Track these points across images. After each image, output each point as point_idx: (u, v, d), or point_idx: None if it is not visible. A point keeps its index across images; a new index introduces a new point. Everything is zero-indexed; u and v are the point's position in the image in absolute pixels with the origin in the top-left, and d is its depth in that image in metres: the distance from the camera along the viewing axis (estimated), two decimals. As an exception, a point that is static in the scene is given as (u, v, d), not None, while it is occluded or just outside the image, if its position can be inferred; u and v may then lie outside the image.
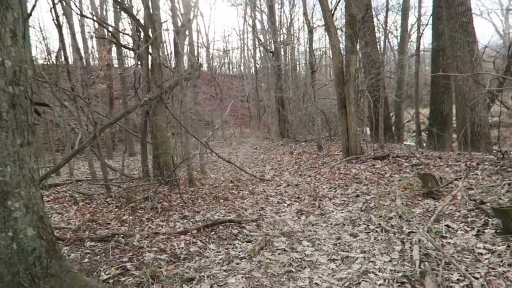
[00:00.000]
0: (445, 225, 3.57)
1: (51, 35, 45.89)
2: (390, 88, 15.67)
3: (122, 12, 12.15)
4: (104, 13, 15.89)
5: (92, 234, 4.08)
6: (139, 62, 7.29)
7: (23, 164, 2.16)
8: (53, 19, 7.01)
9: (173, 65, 10.07)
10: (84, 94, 7.45)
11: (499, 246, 2.96)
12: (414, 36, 15.96)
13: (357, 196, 5.42)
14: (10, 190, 2.07)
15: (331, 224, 4.32)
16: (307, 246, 3.57)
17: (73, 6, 8.27)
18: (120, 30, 12.90)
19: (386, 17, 11.44)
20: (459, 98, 8.46)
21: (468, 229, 3.45)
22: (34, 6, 5.55)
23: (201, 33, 29.55)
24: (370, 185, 5.90)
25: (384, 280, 2.68)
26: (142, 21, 7.03)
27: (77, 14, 10.37)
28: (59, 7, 7.41)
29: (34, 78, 7.61)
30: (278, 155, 11.35)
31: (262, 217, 4.72)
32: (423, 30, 13.03)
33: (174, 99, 9.20)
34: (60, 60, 10.36)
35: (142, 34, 7.16)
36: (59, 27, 7.23)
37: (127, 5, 8.37)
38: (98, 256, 3.42)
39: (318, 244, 3.62)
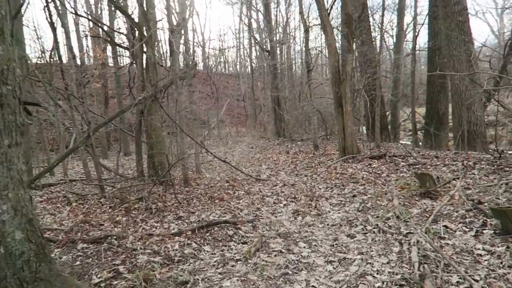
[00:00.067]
0: (443, 226, 3.52)
1: (45, 34, 45.49)
2: (386, 87, 15.66)
3: (117, 11, 12.04)
4: (99, 12, 15.76)
5: (84, 236, 4.00)
6: (134, 61, 7.21)
7: (11, 166, 2.10)
8: (46, 18, 6.90)
9: (168, 64, 10.00)
10: (79, 93, 7.35)
11: (498, 247, 2.92)
12: (410, 35, 16.02)
13: (354, 196, 5.38)
14: (-3, 192, 2.00)
15: (328, 224, 4.27)
16: (304, 247, 3.52)
17: (67, 5, 8.17)
18: (115, 29, 12.80)
19: (382, 16, 11.39)
20: (455, 97, 8.46)
21: (467, 229, 3.40)
22: (21, 4, 5.44)
23: (196, 32, 29.56)
24: (367, 185, 5.86)
25: (383, 282, 2.63)
26: (136, 20, 6.95)
27: (72, 13, 10.25)
28: (52, 6, 7.29)
29: (27, 77, 7.51)
30: (274, 154, 11.30)
31: (258, 218, 4.67)
32: (419, 29, 13.06)
33: (169, 98, 9.13)
34: (54, 59, 10.23)
35: (136, 33, 7.08)
36: (52, 25, 7.12)
37: (122, 3, 8.28)
38: (90, 259, 3.34)
39: (315, 245, 3.57)
